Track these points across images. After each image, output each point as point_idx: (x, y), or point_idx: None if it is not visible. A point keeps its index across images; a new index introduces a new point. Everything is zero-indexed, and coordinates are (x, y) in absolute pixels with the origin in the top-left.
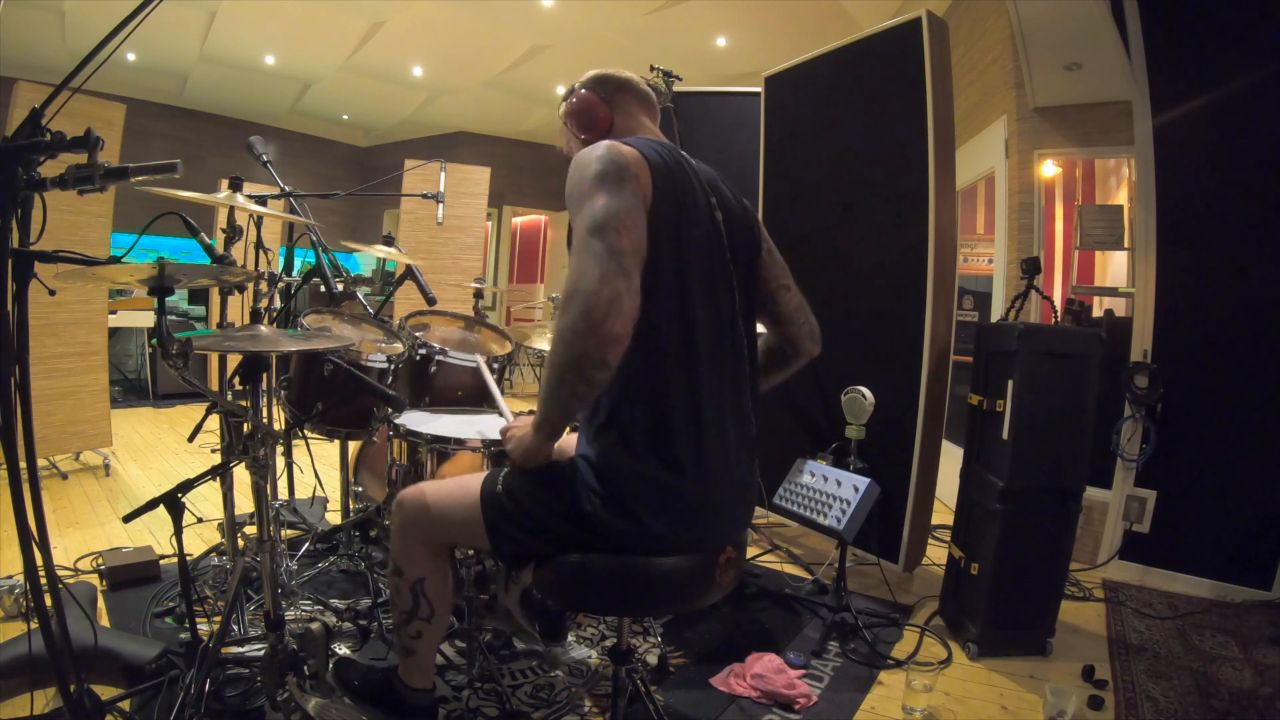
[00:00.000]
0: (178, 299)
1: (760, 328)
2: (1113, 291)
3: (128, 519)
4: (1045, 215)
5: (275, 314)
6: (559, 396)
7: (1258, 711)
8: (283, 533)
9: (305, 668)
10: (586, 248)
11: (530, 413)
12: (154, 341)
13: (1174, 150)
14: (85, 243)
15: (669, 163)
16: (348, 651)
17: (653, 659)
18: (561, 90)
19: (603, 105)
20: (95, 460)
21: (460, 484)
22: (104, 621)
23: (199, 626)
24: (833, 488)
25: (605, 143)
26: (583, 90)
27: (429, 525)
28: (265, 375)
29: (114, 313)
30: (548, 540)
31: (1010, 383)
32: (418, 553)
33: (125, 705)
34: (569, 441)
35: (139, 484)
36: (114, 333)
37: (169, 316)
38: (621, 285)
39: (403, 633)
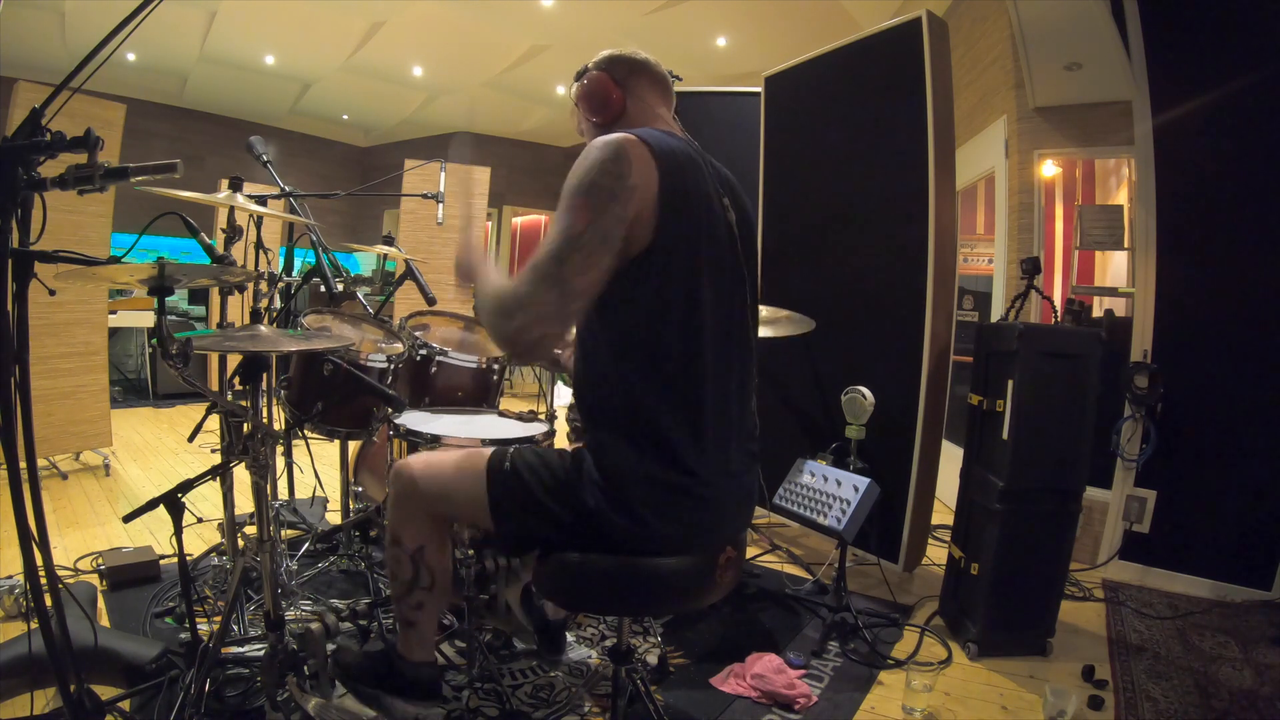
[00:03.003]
0: (178, 299)
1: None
2: (1113, 291)
3: (128, 519)
4: (1045, 215)
5: (275, 314)
6: (489, 331)
7: (1258, 711)
8: (283, 533)
9: (305, 668)
10: (546, 273)
11: (532, 412)
12: (154, 341)
13: (1174, 150)
14: (85, 243)
15: (681, 156)
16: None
17: (653, 659)
18: (562, 90)
19: (616, 88)
20: (95, 460)
21: (466, 457)
22: (104, 621)
23: (199, 626)
24: (833, 488)
25: (617, 137)
26: (595, 71)
27: (430, 498)
28: (265, 375)
29: (114, 313)
30: (550, 524)
31: (1010, 383)
32: (416, 522)
33: (125, 705)
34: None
35: (139, 484)
36: (114, 333)
37: (169, 316)
38: (555, 328)
39: (403, 604)
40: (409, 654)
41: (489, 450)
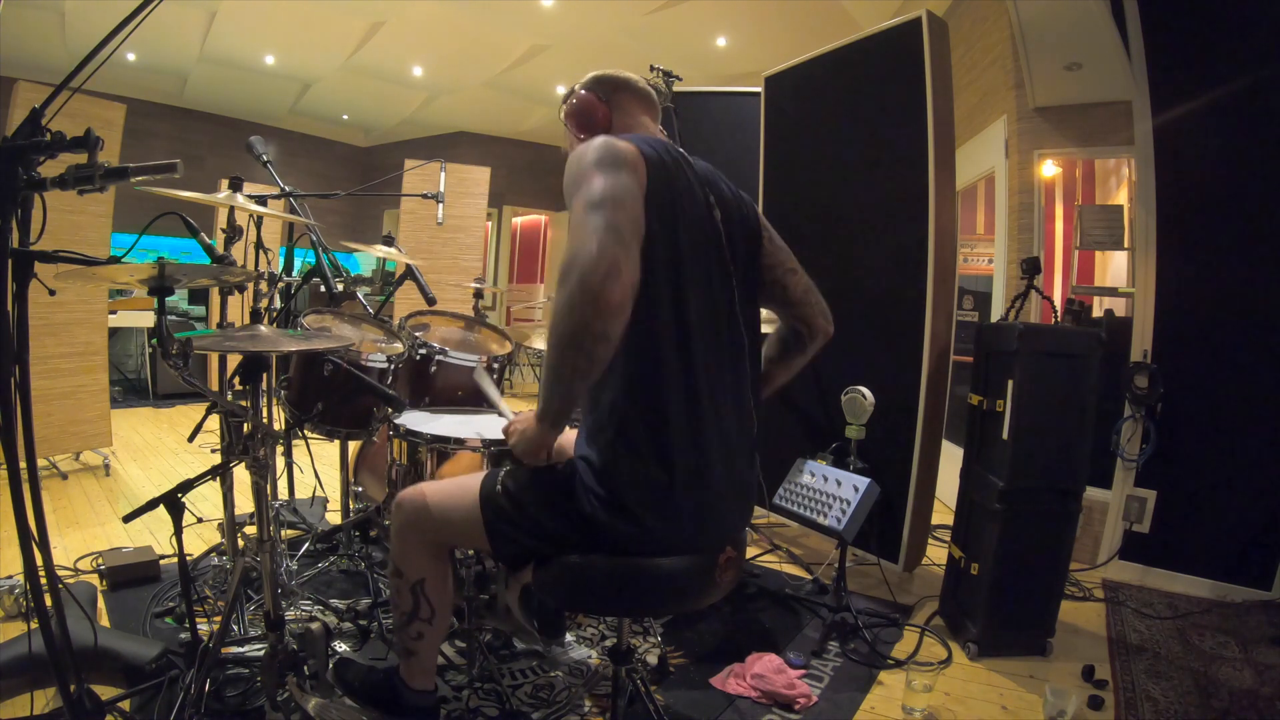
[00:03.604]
0: (178, 299)
1: (769, 315)
2: (1113, 291)
3: (128, 519)
4: (1045, 215)
5: (275, 314)
6: (561, 377)
7: (1258, 711)
8: (283, 533)
9: (305, 668)
10: (583, 222)
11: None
12: (154, 341)
13: (1174, 150)
14: (85, 243)
15: (664, 159)
16: (348, 650)
17: (653, 659)
18: (561, 90)
19: (601, 105)
20: (95, 460)
21: (460, 484)
22: (104, 621)
23: (199, 626)
24: (833, 488)
25: (602, 137)
26: (581, 91)
27: (429, 526)
28: (265, 375)
29: (114, 313)
30: (547, 541)
31: (1010, 383)
32: (418, 553)
33: (125, 705)
34: (568, 440)
35: (139, 484)
36: (114, 333)
37: (169, 316)
38: (620, 254)
39: (403, 634)
40: (410, 680)
41: (482, 475)
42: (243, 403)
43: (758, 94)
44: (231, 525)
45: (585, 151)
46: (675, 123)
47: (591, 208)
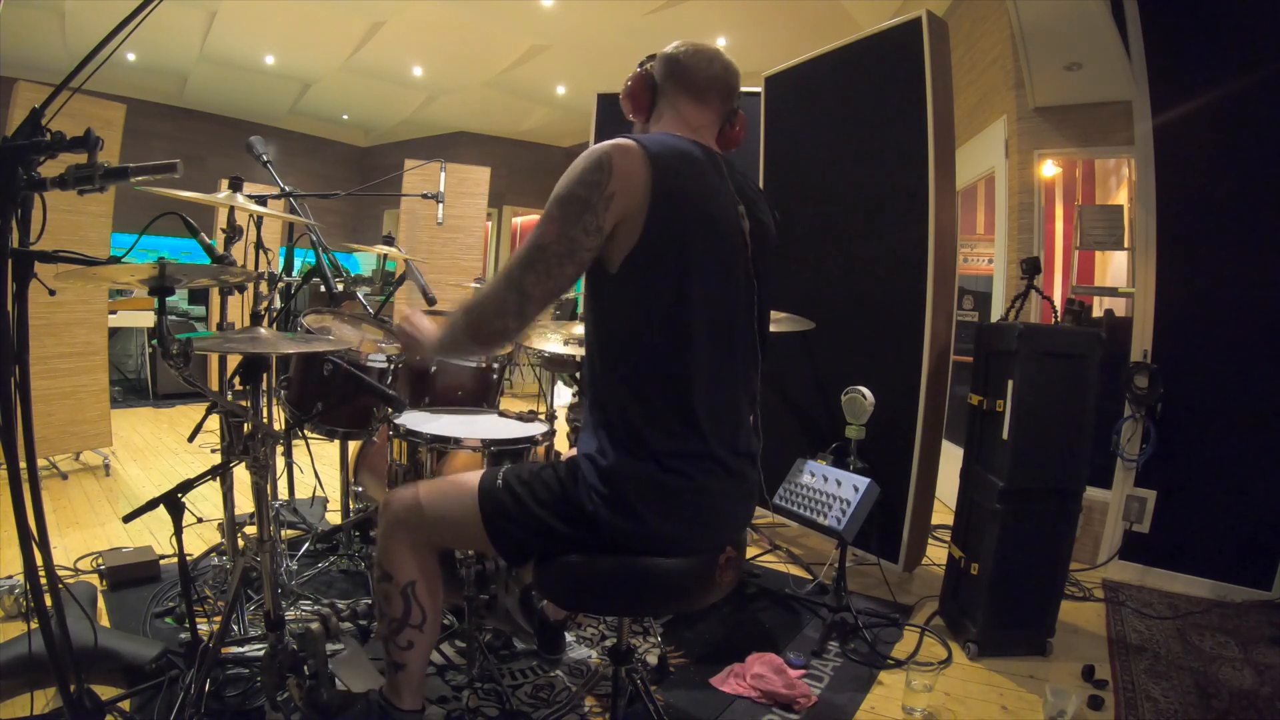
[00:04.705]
0: (178, 299)
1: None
2: (1113, 291)
3: (128, 519)
4: (1045, 215)
5: (275, 314)
6: (453, 347)
7: (1258, 711)
8: (283, 533)
9: (305, 668)
10: (509, 276)
11: (532, 412)
12: (154, 342)
13: (1174, 150)
14: (85, 243)
15: (681, 159)
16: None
17: (653, 659)
18: (562, 90)
19: (647, 90)
20: (95, 460)
21: (455, 482)
22: (104, 621)
23: (199, 626)
24: (833, 488)
25: (602, 146)
26: (640, 69)
27: (421, 526)
28: (265, 375)
29: (114, 313)
30: (548, 539)
31: (1010, 383)
32: (408, 554)
33: (125, 705)
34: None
35: (139, 484)
36: (114, 333)
37: (169, 316)
38: (511, 324)
39: (392, 644)
40: (398, 701)
41: (479, 473)
42: (243, 403)
43: (758, 94)
44: (231, 525)
45: (578, 168)
46: None
47: (525, 265)
